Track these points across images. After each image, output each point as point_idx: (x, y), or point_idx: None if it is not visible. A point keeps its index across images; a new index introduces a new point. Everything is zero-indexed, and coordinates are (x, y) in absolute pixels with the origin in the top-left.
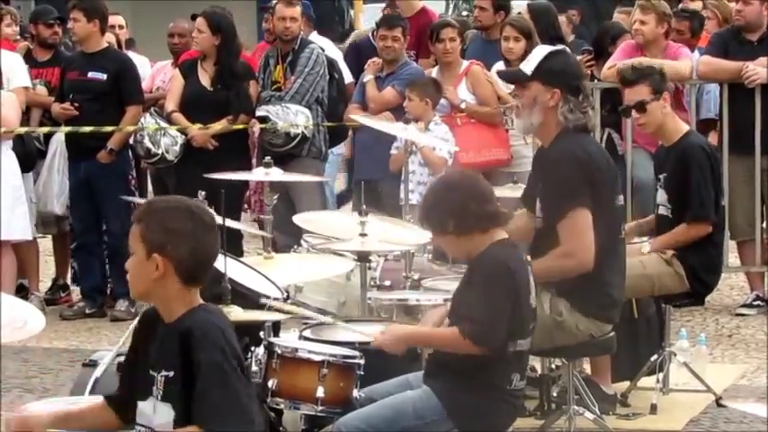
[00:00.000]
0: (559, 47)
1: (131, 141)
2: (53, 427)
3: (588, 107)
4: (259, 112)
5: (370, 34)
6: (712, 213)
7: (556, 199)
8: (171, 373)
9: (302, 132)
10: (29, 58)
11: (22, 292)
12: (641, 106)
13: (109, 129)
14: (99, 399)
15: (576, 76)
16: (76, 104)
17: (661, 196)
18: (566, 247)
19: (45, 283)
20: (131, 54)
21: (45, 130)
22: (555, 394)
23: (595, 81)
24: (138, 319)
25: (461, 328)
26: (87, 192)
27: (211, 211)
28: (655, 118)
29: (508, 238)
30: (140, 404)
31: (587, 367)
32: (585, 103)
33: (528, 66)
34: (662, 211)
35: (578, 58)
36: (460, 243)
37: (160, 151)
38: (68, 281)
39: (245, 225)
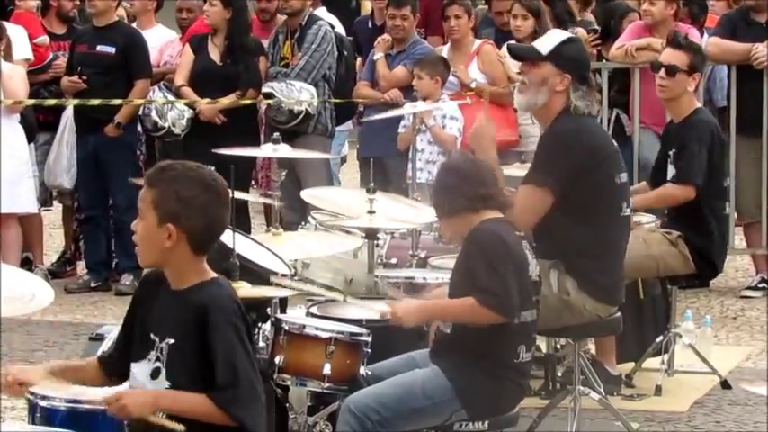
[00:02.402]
0: (575, 35)
1: (139, 114)
2: (50, 377)
3: (593, 96)
4: (264, 89)
5: (369, 15)
6: (699, 179)
7: (532, 168)
8: (174, 341)
9: (306, 109)
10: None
11: (27, 265)
12: (672, 70)
13: (116, 102)
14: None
15: (587, 67)
16: (84, 77)
17: (671, 172)
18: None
19: (50, 256)
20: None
21: (52, 102)
22: (560, 374)
23: (603, 61)
24: (140, 283)
25: (480, 299)
26: (94, 165)
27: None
28: (677, 88)
29: (502, 217)
30: (134, 365)
31: (592, 347)
32: (591, 92)
33: (544, 46)
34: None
35: (584, 36)
36: (452, 223)
37: (167, 125)
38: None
39: (254, 196)
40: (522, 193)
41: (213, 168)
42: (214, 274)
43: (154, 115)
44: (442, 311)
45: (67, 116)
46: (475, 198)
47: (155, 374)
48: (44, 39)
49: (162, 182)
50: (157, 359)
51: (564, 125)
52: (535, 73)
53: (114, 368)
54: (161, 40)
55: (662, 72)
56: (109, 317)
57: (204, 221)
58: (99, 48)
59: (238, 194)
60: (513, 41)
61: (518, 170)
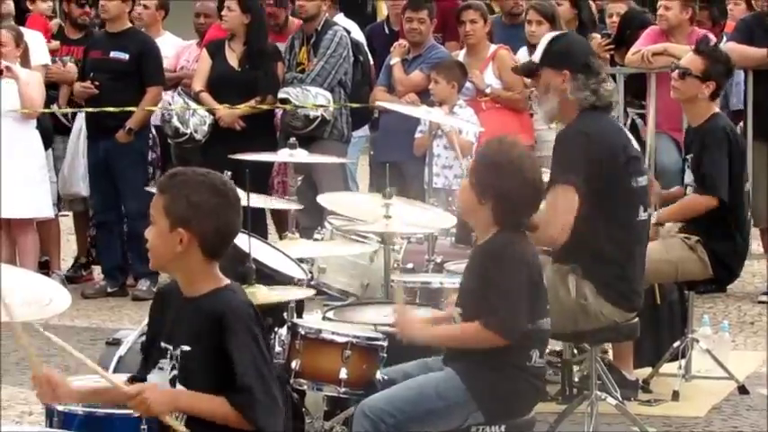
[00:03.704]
0: (562, 31)
1: (159, 121)
2: (81, 400)
3: (600, 83)
4: (280, 94)
5: (384, 21)
6: (722, 190)
7: (551, 171)
8: (189, 348)
9: (321, 115)
10: (61, 35)
11: (44, 270)
12: (683, 73)
13: (131, 109)
14: (125, 377)
15: (583, 54)
16: (97, 83)
17: (688, 177)
18: (542, 216)
19: (67, 262)
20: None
21: (68, 110)
22: (577, 379)
23: (618, 67)
24: (154, 296)
25: (486, 322)
26: (105, 171)
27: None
28: (687, 91)
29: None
30: (149, 376)
31: (609, 353)
32: (594, 79)
33: (537, 55)
34: (690, 191)
35: (598, 41)
36: (476, 206)
37: (188, 131)
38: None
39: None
40: (550, 199)
41: (230, 174)
42: (227, 281)
43: (175, 121)
44: (447, 340)
45: (81, 123)
46: (516, 221)
47: (174, 383)
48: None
49: (172, 187)
50: (173, 368)
51: (579, 124)
52: (540, 83)
53: None
54: (169, 48)
55: (675, 73)
56: (125, 322)
57: (215, 225)
58: (112, 54)
59: (255, 199)
60: (525, 52)
61: None
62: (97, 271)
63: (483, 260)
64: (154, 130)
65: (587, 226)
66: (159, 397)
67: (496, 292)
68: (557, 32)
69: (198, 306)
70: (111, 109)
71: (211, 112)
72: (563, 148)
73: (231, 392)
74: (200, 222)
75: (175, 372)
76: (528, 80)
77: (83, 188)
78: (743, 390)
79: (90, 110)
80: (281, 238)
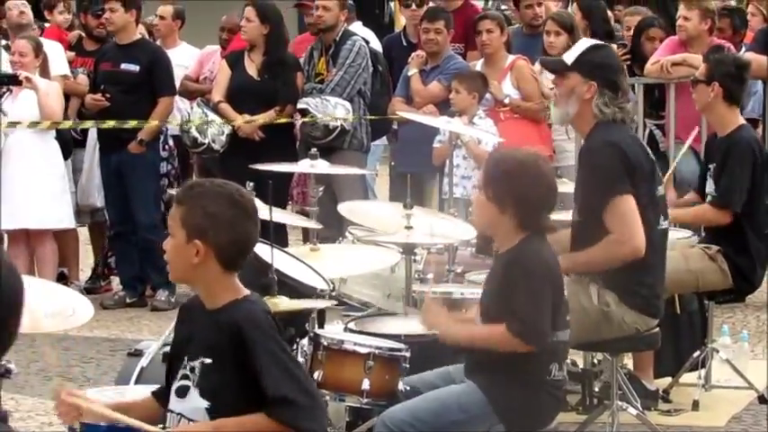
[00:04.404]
0: (602, 42)
1: (178, 131)
2: (105, 417)
3: (625, 102)
4: (299, 105)
5: (401, 32)
6: (737, 205)
7: (598, 188)
8: (209, 360)
9: (341, 125)
10: (78, 46)
11: (62, 280)
12: (693, 81)
13: (153, 123)
14: (147, 392)
15: (615, 71)
16: (108, 95)
17: (710, 186)
18: (617, 235)
19: (85, 272)
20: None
21: (89, 124)
22: (597, 389)
23: (636, 77)
24: (178, 311)
25: (510, 326)
26: (118, 183)
27: (254, 197)
28: (700, 99)
29: (543, 237)
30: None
31: (629, 362)
32: (622, 99)
33: (569, 56)
34: (711, 200)
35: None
36: (501, 220)
37: (207, 141)
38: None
39: (292, 216)
40: (614, 213)
41: (253, 185)
42: (247, 292)
43: (193, 131)
44: (471, 340)
45: (95, 135)
46: (539, 223)
47: (180, 393)
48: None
49: (189, 199)
50: (184, 377)
51: (598, 138)
52: (564, 84)
53: (168, 400)
54: (186, 58)
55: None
56: (145, 332)
57: (231, 236)
58: (123, 66)
59: (277, 214)
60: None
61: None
62: (116, 282)
63: (508, 267)
64: (171, 141)
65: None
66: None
67: (522, 298)
68: (597, 41)
69: (216, 318)
70: (132, 123)
71: (230, 121)
72: (602, 162)
73: (268, 406)
74: (217, 234)
75: (186, 382)
76: (546, 91)
77: (98, 199)
78: (763, 399)
79: (112, 123)
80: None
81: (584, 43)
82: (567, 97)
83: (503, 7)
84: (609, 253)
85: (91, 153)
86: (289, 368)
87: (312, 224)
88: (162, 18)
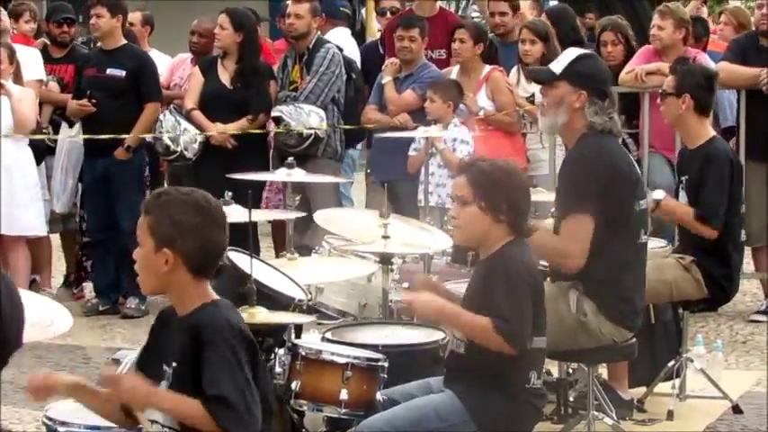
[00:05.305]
0: (589, 51)
1: (150, 138)
2: (69, 391)
3: (614, 112)
4: (273, 113)
5: (378, 40)
6: (717, 221)
7: (566, 197)
8: (176, 364)
9: (315, 133)
10: (45, 54)
11: (32, 287)
12: (662, 94)
13: (147, 135)
14: None
15: (604, 81)
16: (94, 101)
17: (682, 198)
18: (562, 246)
19: (56, 279)
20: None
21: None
22: (571, 399)
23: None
24: (156, 317)
25: (496, 323)
26: (103, 189)
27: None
28: (669, 111)
29: (524, 240)
30: None
31: (603, 372)
32: (611, 108)
33: (558, 65)
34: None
35: None
36: (495, 228)
37: (179, 149)
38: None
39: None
40: (568, 227)
41: (231, 194)
42: (216, 297)
43: (166, 139)
44: (458, 320)
45: (63, 141)
46: (525, 225)
47: None
48: None
49: (156, 207)
50: (162, 384)
51: (584, 147)
52: (552, 94)
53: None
54: (157, 64)
55: (659, 98)
56: (118, 340)
57: (198, 243)
58: (109, 71)
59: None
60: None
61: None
62: (88, 289)
63: (490, 270)
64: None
65: (594, 247)
66: (135, 389)
67: (504, 298)
68: (585, 51)
69: (185, 323)
70: (125, 136)
71: (202, 130)
72: (575, 175)
73: (206, 398)
74: (184, 241)
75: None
76: (521, 102)
77: (56, 205)
78: (737, 409)
79: (109, 136)
80: (277, 256)
81: (573, 52)
82: (557, 107)
83: (473, 15)
84: (556, 252)
85: (57, 159)
86: (234, 374)
87: (288, 214)
88: (131, 25)
